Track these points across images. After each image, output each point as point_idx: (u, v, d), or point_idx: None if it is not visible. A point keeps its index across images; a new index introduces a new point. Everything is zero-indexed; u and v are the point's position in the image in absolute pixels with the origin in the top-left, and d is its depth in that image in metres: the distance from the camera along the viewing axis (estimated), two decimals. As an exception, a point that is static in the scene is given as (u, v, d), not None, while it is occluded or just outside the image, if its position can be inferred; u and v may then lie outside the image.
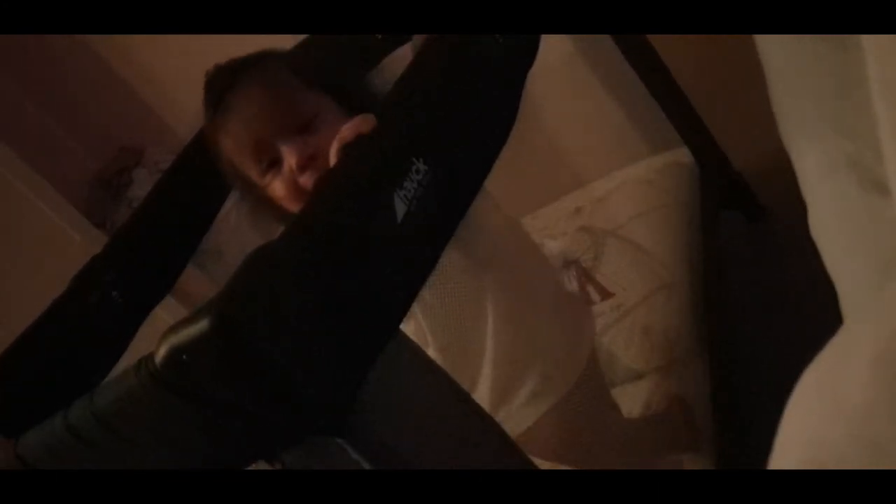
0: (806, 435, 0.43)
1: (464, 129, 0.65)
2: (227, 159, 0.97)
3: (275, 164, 0.92)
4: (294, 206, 0.92)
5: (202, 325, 0.47)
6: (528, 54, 0.72)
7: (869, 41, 0.58)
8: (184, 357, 0.48)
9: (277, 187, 0.93)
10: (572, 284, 1.52)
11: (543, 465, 1.03)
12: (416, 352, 0.58)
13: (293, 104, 0.93)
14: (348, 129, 0.79)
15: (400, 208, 0.55)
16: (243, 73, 0.95)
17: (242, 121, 0.93)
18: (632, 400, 1.28)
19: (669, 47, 1.55)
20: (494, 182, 1.01)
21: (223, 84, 0.95)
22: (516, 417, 1.01)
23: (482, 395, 0.99)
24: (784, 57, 0.71)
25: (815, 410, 0.44)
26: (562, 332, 1.04)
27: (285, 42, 1.05)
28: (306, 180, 0.91)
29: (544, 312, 1.02)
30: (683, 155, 1.68)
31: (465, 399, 0.60)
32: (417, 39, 0.93)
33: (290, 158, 0.91)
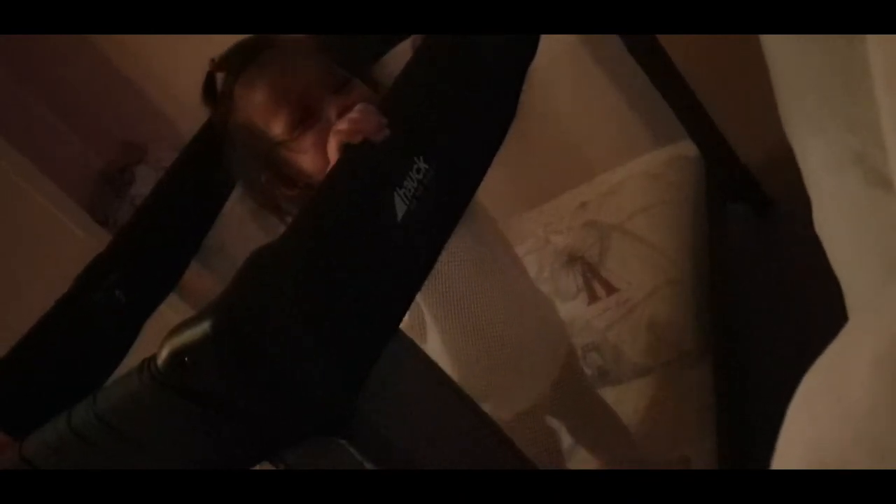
0: (808, 436, 0.43)
1: (464, 126, 0.65)
2: (247, 117, 0.95)
3: (306, 119, 0.92)
4: (322, 160, 0.89)
5: (204, 327, 0.47)
6: (528, 52, 0.71)
7: (873, 35, 0.58)
8: (186, 359, 0.48)
9: (308, 140, 0.91)
10: (577, 280, 1.51)
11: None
12: (417, 352, 0.58)
13: (332, 65, 0.95)
14: (346, 123, 0.78)
15: (400, 207, 0.55)
16: (275, 38, 0.96)
17: (286, 71, 0.94)
18: (638, 396, 1.28)
19: (673, 39, 1.54)
20: (499, 177, 1.01)
21: (256, 44, 0.96)
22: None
23: None
24: (788, 50, 0.70)
25: (817, 411, 0.43)
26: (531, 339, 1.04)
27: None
28: None
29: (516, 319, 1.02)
30: (688, 148, 1.67)
31: (464, 399, 0.60)
32: (417, 37, 0.93)
33: (331, 110, 0.91)
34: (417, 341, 0.61)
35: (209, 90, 1.00)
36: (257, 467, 0.58)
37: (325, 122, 0.91)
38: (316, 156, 0.91)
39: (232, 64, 0.97)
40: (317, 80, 0.93)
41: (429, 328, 0.95)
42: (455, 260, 0.93)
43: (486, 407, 0.96)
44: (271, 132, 0.94)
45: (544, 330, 1.10)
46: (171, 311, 1.05)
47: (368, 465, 0.52)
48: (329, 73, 0.94)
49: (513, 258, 1.11)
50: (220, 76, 1.00)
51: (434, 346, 0.95)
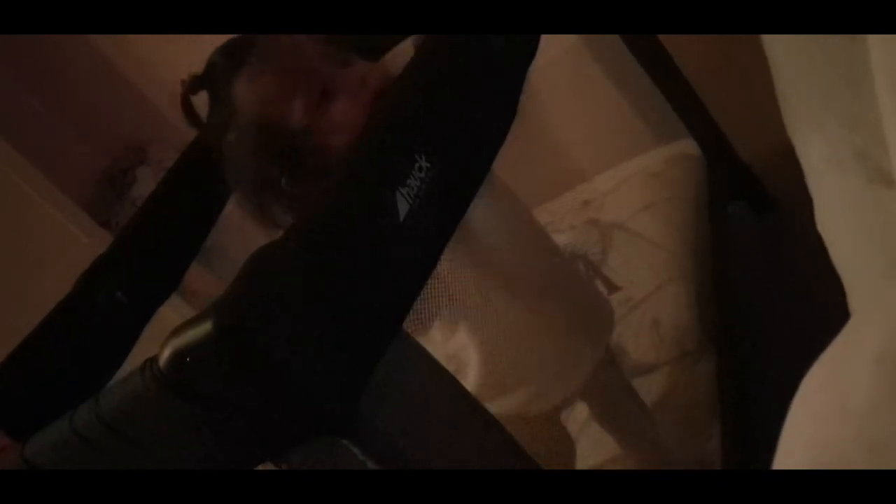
0: (809, 435, 0.43)
1: (465, 124, 0.65)
2: (258, 116, 0.91)
3: (323, 98, 0.89)
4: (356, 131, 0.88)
5: (205, 327, 0.47)
6: (529, 50, 0.71)
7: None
8: (187, 359, 0.48)
9: (335, 115, 0.89)
10: (579, 278, 1.51)
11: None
12: (420, 351, 0.58)
13: (327, 44, 0.93)
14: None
15: (402, 206, 0.55)
16: (255, 38, 0.94)
17: (287, 56, 0.91)
18: (641, 394, 1.28)
19: (674, 38, 1.54)
20: (500, 177, 1.01)
21: (238, 45, 0.93)
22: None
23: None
24: (789, 49, 0.70)
25: (818, 410, 0.43)
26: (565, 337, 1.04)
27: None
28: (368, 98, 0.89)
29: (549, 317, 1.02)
30: (690, 146, 1.67)
31: (468, 399, 0.60)
32: (418, 36, 0.92)
33: (348, 78, 0.90)
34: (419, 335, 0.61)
35: (190, 110, 0.97)
36: (259, 468, 0.58)
37: (347, 93, 0.89)
38: (348, 129, 0.88)
39: (220, 70, 0.94)
40: (321, 57, 0.91)
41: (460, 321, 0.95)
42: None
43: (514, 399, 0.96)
44: (291, 122, 0.90)
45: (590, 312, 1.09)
46: (172, 312, 1.05)
47: (371, 465, 0.52)
48: (330, 50, 0.92)
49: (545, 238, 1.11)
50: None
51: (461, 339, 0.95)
